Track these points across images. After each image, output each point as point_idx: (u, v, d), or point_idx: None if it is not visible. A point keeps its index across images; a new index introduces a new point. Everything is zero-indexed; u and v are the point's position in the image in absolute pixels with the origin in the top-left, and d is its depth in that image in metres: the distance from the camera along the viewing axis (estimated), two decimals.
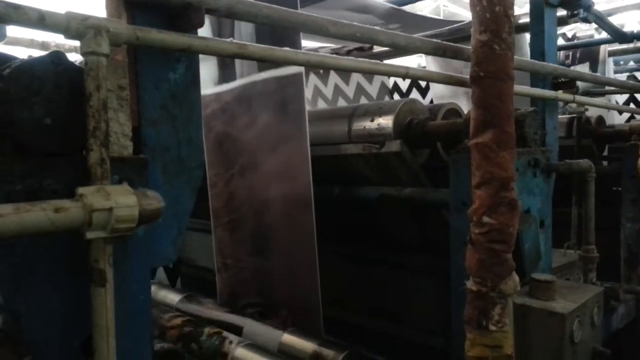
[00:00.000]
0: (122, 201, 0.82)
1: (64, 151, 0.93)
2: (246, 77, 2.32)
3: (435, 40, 1.61)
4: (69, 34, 0.89)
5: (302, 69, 2.05)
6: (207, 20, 2.15)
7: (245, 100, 2.35)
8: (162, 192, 1.05)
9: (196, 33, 1.07)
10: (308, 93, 4.66)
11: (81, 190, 0.82)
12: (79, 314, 0.92)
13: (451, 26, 3.46)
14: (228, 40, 1.08)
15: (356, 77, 4.28)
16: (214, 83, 2.47)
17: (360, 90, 4.25)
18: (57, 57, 0.94)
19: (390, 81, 4.92)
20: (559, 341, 1.72)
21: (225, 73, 2.42)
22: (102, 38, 0.90)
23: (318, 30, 1.26)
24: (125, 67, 1.00)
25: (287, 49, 1.17)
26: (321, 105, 4.58)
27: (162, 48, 0.99)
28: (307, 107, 2.18)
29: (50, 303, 0.92)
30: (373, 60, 1.42)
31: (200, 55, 1.11)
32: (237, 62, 2.33)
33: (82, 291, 0.90)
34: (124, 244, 0.95)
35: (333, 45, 4.15)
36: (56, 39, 3.37)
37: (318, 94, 4.60)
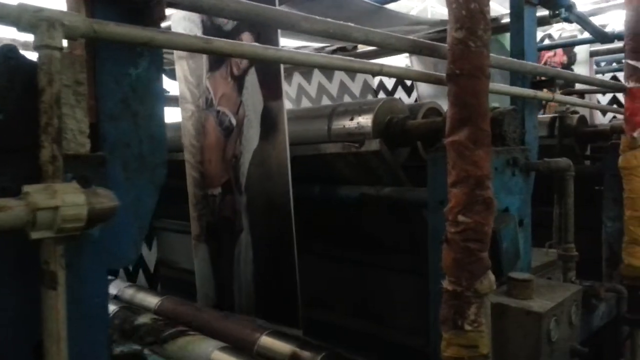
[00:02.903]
0: (70, 200, 0.78)
1: (16, 148, 0.89)
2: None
3: (411, 37, 1.59)
4: (20, 27, 0.86)
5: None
6: None
7: None
8: (123, 191, 1.02)
9: (159, 27, 1.04)
10: (292, 92, 4.65)
11: (26, 188, 0.79)
12: (30, 317, 0.89)
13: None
14: (192, 34, 1.05)
15: (339, 76, 4.29)
16: None
17: (343, 87, 4.25)
18: (9, 51, 0.91)
19: (376, 80, 4.92)
20: (535, 340, 1.71)
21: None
22: (55, 31, 0.86)
23: (289, 26, 1.23)
24: (83, 62, 0.96)
25: (256, 44, 1.14)
26: (305, 103, 4.57)
27: (121, 42, 0.96)
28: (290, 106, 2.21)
29: None
30: (347, 57, 1.40)
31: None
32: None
33: (34, 294, 0.87)
34: (77, 244, 0.91)
35: (315, 45, 4.12)
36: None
37: (302, 93, 4.60)
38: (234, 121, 2.38)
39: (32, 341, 0.88)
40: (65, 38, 0.88)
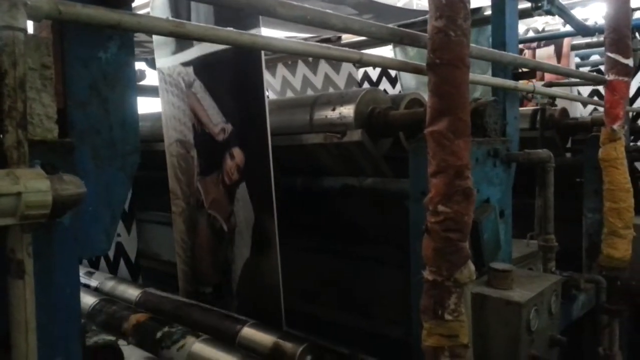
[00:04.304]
0: (33, 186, 0.76)
1: None
2: None
3: (391, 26, 1.57)
4: None
5: None
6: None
7: None
8: (93, 179, 1.00)
9: (130, 9, 1.01)
10: (276, 84, 4.62)
11: None
12: None
13: (425, 16, 3.45)
14: (163, 17, 1.02)
15: (324, 68, 4.28)
16: None
17: (327, 80, 4.25)
18: None
19: (360, 72, 4.92)
20: (515, 330, 1.72)
21: None
22: (18, 11, 0.83)
23: (265, 11, 1.21)
24: (49, 44, 0.93)
25: (230, 29, 1.12)
26: (290, 95, 4.56)
27: (88, 24, 0.93)
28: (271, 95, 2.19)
29: None
30: (325, 45, 1.38)
31: None
32: None
33: (1, 283, 0.84)
34: (46, 232, 0.89)
35: (304, 35, 4.10)
36: None
37: (287, 85, 4.58)
38: (225, 227, 2.36)
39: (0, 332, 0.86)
40: (29, 19, 0.85)
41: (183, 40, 2.32)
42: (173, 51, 2.44)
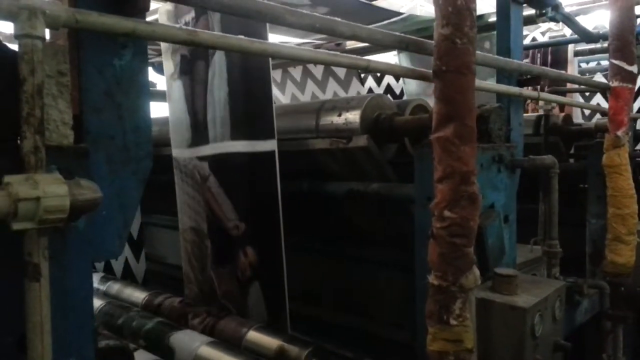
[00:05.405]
0: (52, 190, 0.77)
1: None
2: None
3: (397, 33, 1.59)
4: (0, 15, 0.85)
5: None
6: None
7: None
8: (107, 183, 1.02)
9: (143, 18, 1.04)
10: (286, 102, 4.67)
11: (7, 178, 0.78)
12: (12, 310, 0.88)
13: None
14: (177, 25, 1.04)
15: (333, 86, 4.32)
16: None
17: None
18: None
19: (366, 87, 4.95)
20: (520, 335, 1.73)
21: None
22: (37, 20, 0.85)
23: (275, 20, 1.23)
24: (65, 52, 0.95)
25: (242, 37, 1.14)
26: None
27: (104, 32, 0.95)
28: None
29: None
30: (333, 52, 1.40)
31: None
32: None
33: (17, 286, 0.86)
34: (61, 236, 0.91)
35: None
36: None
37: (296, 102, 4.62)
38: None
39: (16, 334, 0.88)
40: (47, 27, 0.87)
41: (200, 135, 2.37)
42: (189, 144, 2.46)
